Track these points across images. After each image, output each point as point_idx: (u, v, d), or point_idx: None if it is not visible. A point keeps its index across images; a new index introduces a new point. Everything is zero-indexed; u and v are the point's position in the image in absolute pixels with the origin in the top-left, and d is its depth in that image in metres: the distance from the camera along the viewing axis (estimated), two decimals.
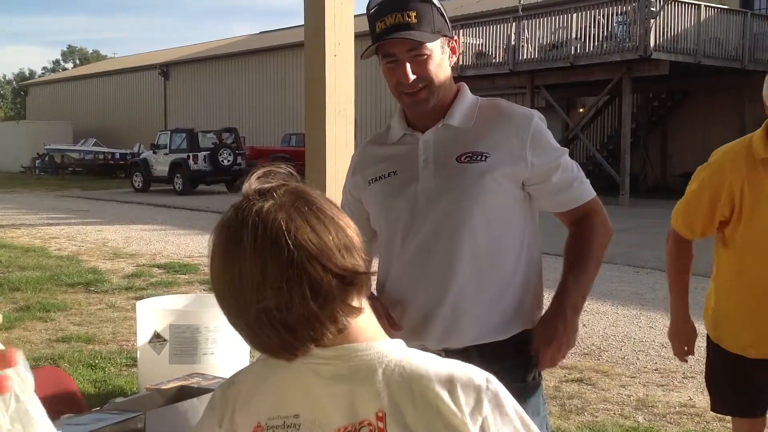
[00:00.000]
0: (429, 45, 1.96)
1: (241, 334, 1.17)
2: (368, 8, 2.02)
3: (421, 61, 1.97)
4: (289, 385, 1.16)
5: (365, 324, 1.17)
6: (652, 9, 18.87)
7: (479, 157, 2.00)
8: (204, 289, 8.55)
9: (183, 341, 4.48)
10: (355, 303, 1.14)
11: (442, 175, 2.02)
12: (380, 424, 1.10)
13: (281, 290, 1.09)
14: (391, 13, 1.95)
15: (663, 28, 19.21)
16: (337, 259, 1.11)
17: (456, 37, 2.09)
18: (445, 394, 1.10)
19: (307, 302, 1.09)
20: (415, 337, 1.98)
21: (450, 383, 1.10)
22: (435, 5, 1.99)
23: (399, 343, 1.17)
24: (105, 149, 36.13)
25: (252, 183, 1.17)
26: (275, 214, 1.11)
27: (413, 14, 1.94)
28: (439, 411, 1.09)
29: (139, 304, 4.71)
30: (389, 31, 1.95)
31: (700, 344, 6.35)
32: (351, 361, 1.13)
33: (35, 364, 5.30)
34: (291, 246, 1.09)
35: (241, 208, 1.14)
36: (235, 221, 1.14)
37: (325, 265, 1.10)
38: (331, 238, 1.12)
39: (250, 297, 1.11)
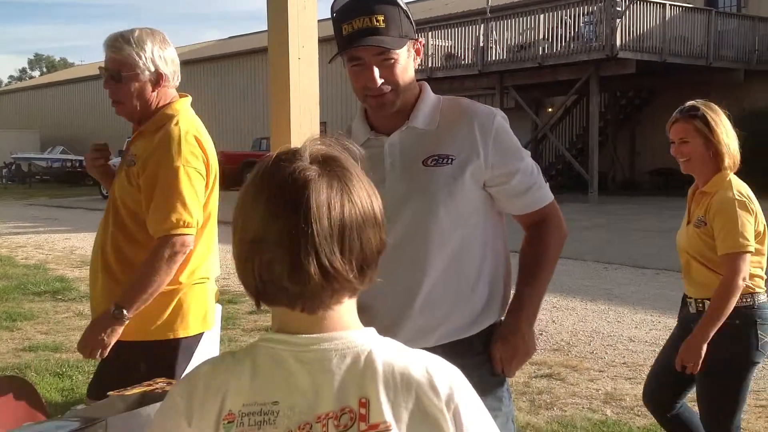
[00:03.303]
0: (396, 50, 1.96)
1: (234, 256, 1.19)
2: (333, 10, 2.01)
3: (388, 65, 1.97)
4: (268, 371, 1.16)
5: (344, 313, 1.19)
6: (617, 9, 19.04)
7: (445, 160, 2.01)
8: None
9: None
10: (326, 300, 1.16)
11: (409, 178, 2.03)
12: (362, 411, 1.12)
13: (269, 250, 1.12)
14: (358, 16, 1.94)
15: (629, 28, 19.41)
16: (333, 255, 1.12)
17: (421, 39, 2.10)
18: (424, 383, 1.14)
19: (283, 275, 1.12)
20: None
21: (428, 374, 1.15)
22: (401, 8, 1.99)
23: (373, 332, 1.20)
24: (73, 157, 35.78)
25: (313, 142, 1.19)
26: (307, 182, 1.13)
27: (381, 18, 1.93)
28: (419, 398, 1.14)
29: None
30: (357, 36, 1.94)
31: (666, 337, 6.37)
32: (332, 348, 1.15)
33: (0, 374, 5.24)
34: (300, 219, 1.11)
35: (289, 156, 1.16)
36: (273, 165, 1.16)
37: (319, 253, 1.11)
38: (340, 231, 1.13)
39: (246, 239, 1.15)
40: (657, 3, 20.01)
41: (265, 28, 3.07)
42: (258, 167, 1.18)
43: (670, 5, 20.32)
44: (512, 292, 2.18)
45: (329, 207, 1.12)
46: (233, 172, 24.50)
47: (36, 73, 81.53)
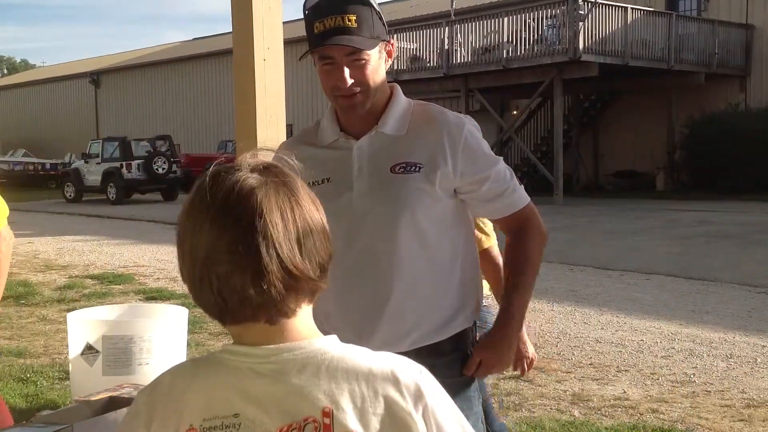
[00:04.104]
0: (368, 50, 1.95)
1: (187, 285, 1.17)
2: (305, 7, 2.00)
3: (359, 66, 1.96)
4: (227, 384, 1.14)
5: (302, 322, 1.17)
6: (580, 12, 19.21)
7: (413, 167, 2.00)
8: (139, 299, 8.40)
9: (116, 352, 4.39)
10: (291, 305, 1.14)
11: (377, 185, 2.01)
12: (326, 421, 1.10)
13: (225, 262, 1.09)
14: (330, 15, 1.93)
15: (591, 31, 19.59)
16: (294, 255, 1.11)
17: (392, 41, 2.09)
18: (389, 387, 1.12)
19: (245, 283, 1.10)
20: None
21: (393, 375, 1.14)
22: (374, 9, 1.98)
23: (335, 339, 1.18)
24: (35, 160, 35.28)
25: (249, 154, 1.17)
26: (253, 190, 1.11)
27: (353, 18, 1.93)
28: (386, 403, 1.12)
29: (70, 315, 4.61)
30: (328, 35, 1.92)
31: (632, 338, 6.45)
32: (292, 358, 1.13)
33: None
34: (255, 224, 1.09)
35: (227, 169, 1.14)
36: (213, 180, 1.13)
37: (280, 254, 1.10)
38: (296, 232, 1.12)
39: (200, 257, 1.12)
40: (619, 6, 20.22)
41: (229, 29, 3.04)
42: (197, 186, 1.16)
43: (632, 9, 20.56)
44: (482, 296, 2.19)
45: (280, 210, 1.11)
46: (198, 174, 24.37)
47: None
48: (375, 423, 1.11)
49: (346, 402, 1.11)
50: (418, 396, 1.14)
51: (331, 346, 1.16)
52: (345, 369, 1.13)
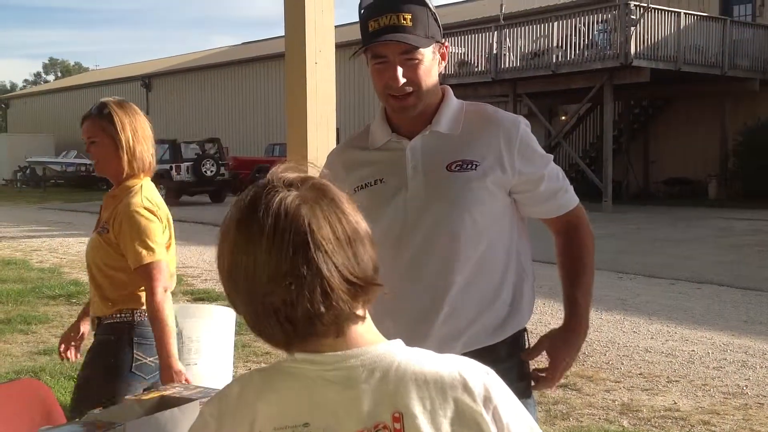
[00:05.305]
0: (422, 50, 1.94)
1: (245, 318, 1.16)
2: (360, 6, 1.99)
3: (412, 65, 1.95)
4: (296, 393, 1.14)
5: (366, 328, 1.17)
6: (632, 17, 18.98)
7: (469, 165, 1.98)
8: (187, 300, 8.49)
9: None
10: (359, 311, 1.15)
11: (432, 184, 1.99)
12: (397, 426, 1.10)
13: (291, 287, 1.09)
14: (385, 13, 1.92)
15: (643, 36, 19.34)
16: (350, 263, 1.11)
17: (446, 44, 2.08)
18: (458, 389, 1.12)
19: (314, 303, 1.09)
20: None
21: (461, 377, 1.13)
22: (430, 9, 1.97)
23: (400, 344, 1.18)
24: (87, 161, 35.87)
25: (279, 170, 1.17)
26: (298, 209, 1.11)
27: (408, 17, 1.92)
28: (456, 405, 1.11)
29: None
30: (383, 32, 1.92)
31: (683, 348, 6.34)
32: (359, 364, 1.13)
33: (15, 377, 5.25)
34: (310, 243, 1.09)
35: (265, 192, 1.13)
36: (257, 205, 1.12)
37: (339, 268, 1.10)
38: (346, 240, 1.12)
39: (260, 288, 1.11)
40: (672, 11, 19.96)
41: (279, 33, 3.04)
42: (239, 214, 1.14)
43: (685, 14, 20.27)
44: (534, 298, 2.16)
45: (328, 222, 1.11)
46: (246, 177, 24.68)
47: (51, 78, 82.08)
48: (446, 425, 1.11)
49: (415, 406, 1.11)
50: (486, 397, 1.13)
51: (397, 351, 1.16)
52: (413, 373, 1.13)
